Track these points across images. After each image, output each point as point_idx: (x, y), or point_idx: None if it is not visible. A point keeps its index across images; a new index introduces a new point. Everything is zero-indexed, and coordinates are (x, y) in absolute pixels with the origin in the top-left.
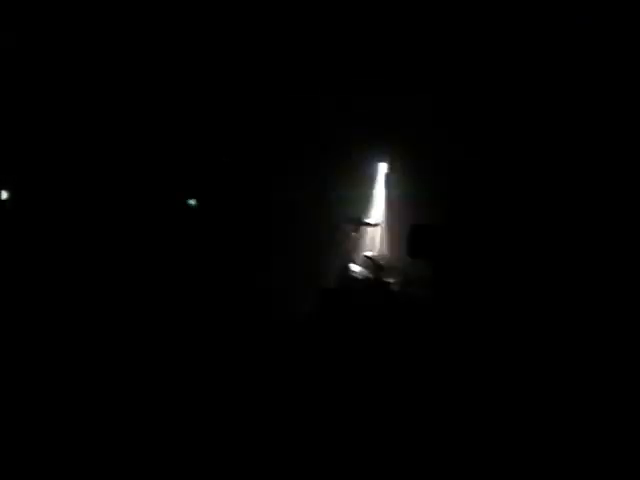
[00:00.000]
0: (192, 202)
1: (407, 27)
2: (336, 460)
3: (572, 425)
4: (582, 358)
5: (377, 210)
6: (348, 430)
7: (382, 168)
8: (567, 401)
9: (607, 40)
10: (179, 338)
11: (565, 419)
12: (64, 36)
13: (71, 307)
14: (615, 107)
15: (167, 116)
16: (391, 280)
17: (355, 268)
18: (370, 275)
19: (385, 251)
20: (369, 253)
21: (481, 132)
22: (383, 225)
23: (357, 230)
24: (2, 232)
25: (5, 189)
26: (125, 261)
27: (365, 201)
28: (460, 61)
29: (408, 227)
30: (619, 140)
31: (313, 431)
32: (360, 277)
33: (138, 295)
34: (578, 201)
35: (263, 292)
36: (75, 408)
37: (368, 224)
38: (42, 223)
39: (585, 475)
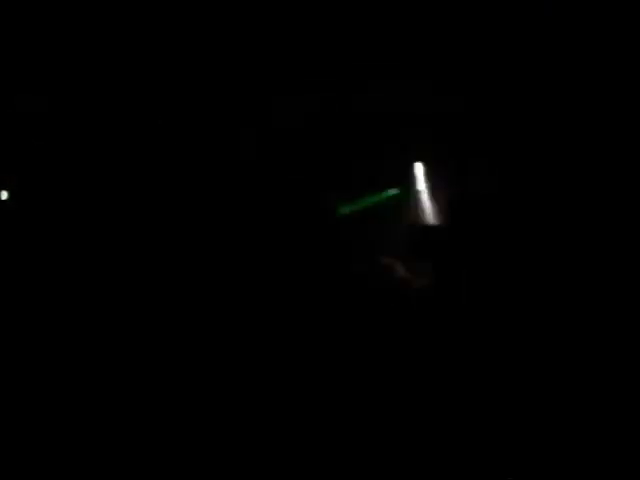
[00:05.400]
0: None
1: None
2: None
3: (574, 426)
4: (587, 360)
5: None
6: (350, 429)
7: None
8: (571, 403)
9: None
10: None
11: (568, 421)
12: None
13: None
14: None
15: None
16: (394, 281)
17: (358, 269)
18: (373, 276)
19: (387, 252)
20: (372, 253)
21: (490, 131)
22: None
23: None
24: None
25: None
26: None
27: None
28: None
29: (409, 227)
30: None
31: (315, 430)
32: (362, 278)
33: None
34: (587, 202)
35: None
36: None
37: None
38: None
39: (585, 475)
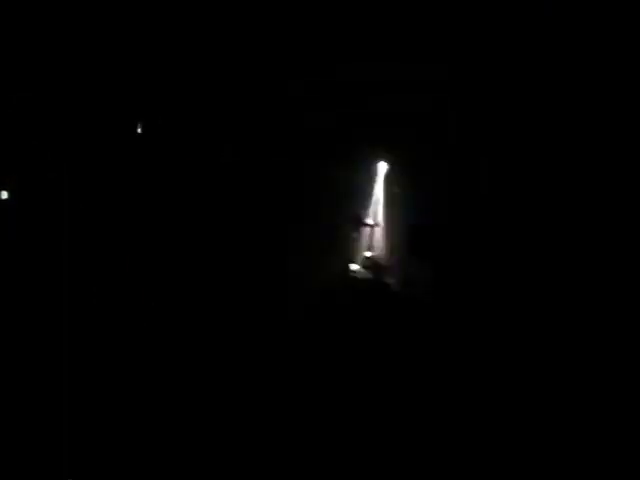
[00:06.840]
0: None
1: (408, 26)
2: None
3: (573, 425)
4: (583, 359)
5: (377, 210)
6: (347, 431)
7: (382, 167)
8: (567, 402)
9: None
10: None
11: (565, 419)
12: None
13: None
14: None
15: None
16: (391, 280)
17: (355, 268)
18: (370, 276)
19: (385, 251)
20: (369, 253)
21: (482, 132)
22: (383, 225)
23: (357, 230)
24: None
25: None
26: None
27: (365, 201)
28: (460, 60)
29: (408, 227)
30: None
31: (312, 432)
32: (360, 277)
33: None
34: (581, 200)
35: (263, 292)
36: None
37: (368, 224)
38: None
39: (584, 475)
